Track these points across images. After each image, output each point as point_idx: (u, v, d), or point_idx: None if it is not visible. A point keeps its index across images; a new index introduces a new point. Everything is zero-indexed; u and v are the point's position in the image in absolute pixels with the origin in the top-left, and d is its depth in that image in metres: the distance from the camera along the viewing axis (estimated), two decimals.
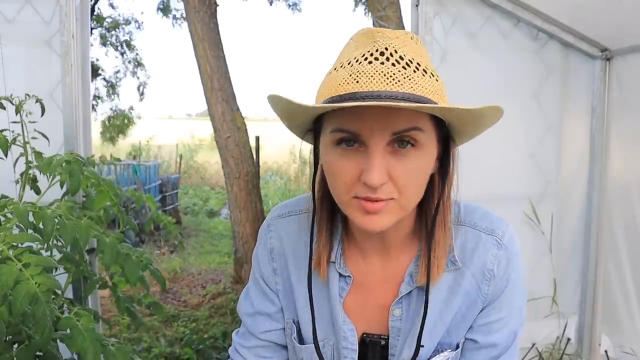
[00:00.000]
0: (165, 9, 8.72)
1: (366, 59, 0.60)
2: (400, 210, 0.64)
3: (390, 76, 0.58)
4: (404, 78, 0.59)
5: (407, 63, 0.60)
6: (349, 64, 0.61)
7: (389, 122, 0.59)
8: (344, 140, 0.62)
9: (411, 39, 0.64)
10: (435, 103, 0.60)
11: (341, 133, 0.62)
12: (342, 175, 0.63)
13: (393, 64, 0.59)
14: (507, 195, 2.11)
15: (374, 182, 0.59)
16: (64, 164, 1.28)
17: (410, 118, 0.60)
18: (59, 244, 1.36)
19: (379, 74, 0.58)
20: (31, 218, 1.11)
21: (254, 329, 0.84)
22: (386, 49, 0.60)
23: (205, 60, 4.02)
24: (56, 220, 1.10)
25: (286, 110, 0.66)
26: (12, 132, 1.33)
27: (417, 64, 0.60)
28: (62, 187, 1.34)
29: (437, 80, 0.62)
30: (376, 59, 0.60)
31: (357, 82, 0.59)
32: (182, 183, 9.76)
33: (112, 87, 9.72)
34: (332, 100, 0.60)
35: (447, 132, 0.67)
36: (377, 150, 0.60)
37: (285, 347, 0.85)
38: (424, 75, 0.60)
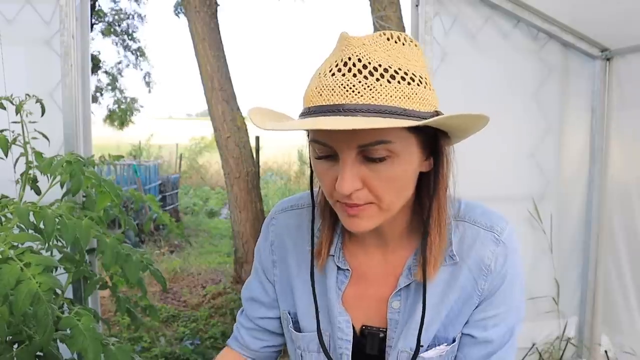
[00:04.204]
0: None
1: (331, 70, 0.61)
2: (382, 213, 0.66)
3: (350, 88, 0.59)
4: (364, 88, 0.59)
5: (370, 71, 0.59)
6: (318, 75, 0.63)
7: (353, 136, 0.60)
8: (321, 151, 0.65)
9: (388, 39, 0.62)
10: (403, 109, 0.59)
11: (317, 144, 0.65)
12: (324, 181, 0.67)
13: (354, 75, 0.59)
14: (507, 195, 2.11)
15: (344, 192, 0.62)
16: (64, 165, 1.28)
17: (374, 132, 0.60)
18: (59, 244, 1.36)
19: (339, 86, 0.59)
20: (32, 218, 1.11)
21: (250, 314, 0.89)
22: (349, 58, 0.60)
23: (205, 60, 4.02)
24: (57, 220, 1.10)
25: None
26: (12, 132, 1.33)
27: (385, 69, 0.60)
28: (62, 187, 1.34)
29: (409, 84, 0.60)
30: (339, 70, 0.60)
31: (321, 95, 0.61)
32: (182, 183, 9.76)
33: (114, 80, 9.87)
34: (304, 111, 0.63)
35: (435, 132, 0.66)
36: (348, 161, 0.62)
37: (279, 335, 0.90)
38: (390, 81, 0.59)
